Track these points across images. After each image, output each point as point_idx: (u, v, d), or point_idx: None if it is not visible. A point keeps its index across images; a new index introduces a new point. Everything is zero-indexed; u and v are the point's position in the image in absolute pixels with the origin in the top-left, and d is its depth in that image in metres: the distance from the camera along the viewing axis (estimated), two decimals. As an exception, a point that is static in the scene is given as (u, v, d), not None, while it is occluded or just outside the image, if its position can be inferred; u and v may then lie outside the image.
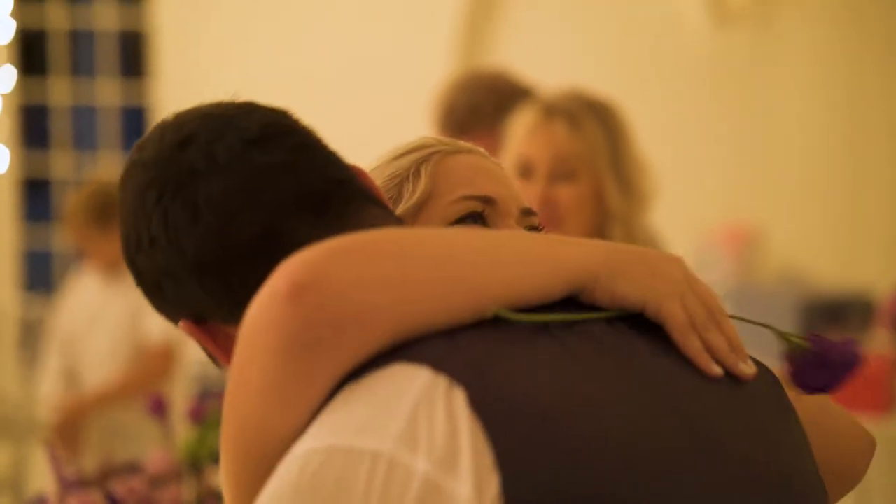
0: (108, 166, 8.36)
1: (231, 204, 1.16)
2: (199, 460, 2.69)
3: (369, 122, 6.32)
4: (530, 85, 2.90)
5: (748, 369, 1.17)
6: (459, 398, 0.98)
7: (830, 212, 6.13)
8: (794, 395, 1.25)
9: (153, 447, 2.80)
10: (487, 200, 1.35)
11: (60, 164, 8.56)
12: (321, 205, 1.18)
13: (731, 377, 1.16)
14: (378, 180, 1.38)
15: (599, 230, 2.46)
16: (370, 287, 1.01)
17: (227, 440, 1.07)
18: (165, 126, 1.25)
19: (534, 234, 1.24)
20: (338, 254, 1.02)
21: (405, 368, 1.01)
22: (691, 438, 1.07)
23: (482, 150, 1.44)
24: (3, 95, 5.40)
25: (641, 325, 1.17)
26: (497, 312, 1.07)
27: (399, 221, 1.28)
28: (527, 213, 1.39)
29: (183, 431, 2.80)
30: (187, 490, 2.60)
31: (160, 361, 4.50)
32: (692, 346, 1.14)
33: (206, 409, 2.79)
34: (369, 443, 0.96)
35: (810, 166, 6.19)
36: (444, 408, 0.97)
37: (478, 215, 1.34)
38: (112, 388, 4.50)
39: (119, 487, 2.63)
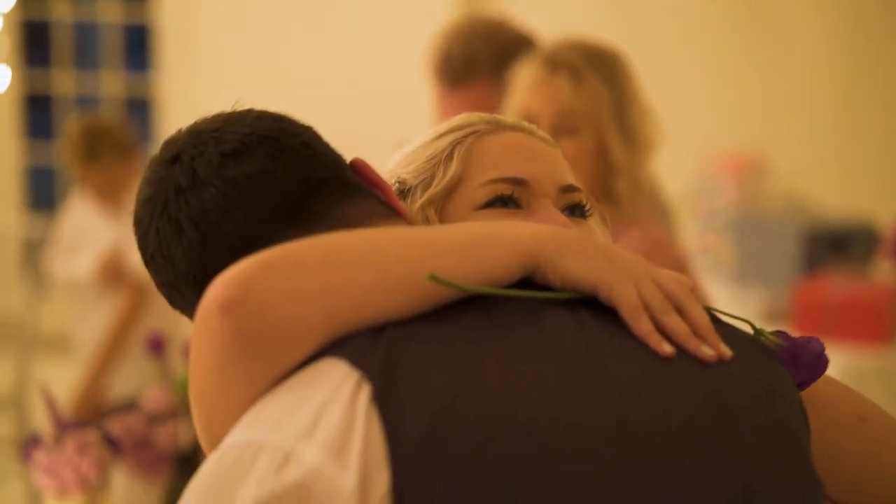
0: (110, 83, 8.32)
1: (209, 218, 1.19)
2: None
3: (371, 109, 6.31)
4: (529, 33, 2.83)
5: (710, 352, 1.10)
6: (365, 393, 0.99)
7: (834, 140, 6.10)
8: (825, 399, 1.22)
9: (151, 385, 2.80)
10: (517, 181, 1.32)
11: (62, 81, 8.52)
12: (298, 208, 1.19)
13: (697, 368, 1.10)
14: (417, 161, 1.37)
15: (603, 183, 2.43)
16: (296, 298, 1.04)
17: (197, 431, 1.13)
18: (165, 143, 1.28)
19: (482, 222, 1.23)
20: (266, 266, 1.05)
21: (327, 363, 1.04)
22: (620, 436, 1.01)
23: (527, 125, 1.40)
24: (4, 14, 5.35)
25: (601, 310, 1.14)
26: (430, 276, 1.07)
27: (394, 214, 1.27)
28: (567, 189, 1.35)
29: (181, 369, 2.79)
30: (184, 429, 2.60)
31: (134, 297, 4.53)
32: (642, 327, 1.10)
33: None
34: (275, 437, 0.99)
35: (814, 94, 6.14)
36: (349, 401, 0.99)
37: (507, 198, 1.32)
38: (103, 351, 4.57)
39: (116, 426, 2.64)
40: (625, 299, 1.11)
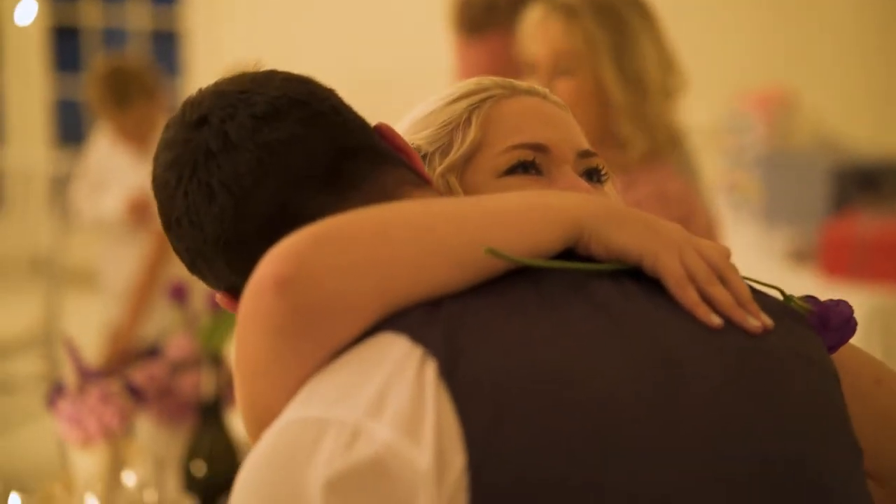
0: (137, 15, 8.28)
1: (243, 183, 1.16)
2: (219, 347, 2.69)
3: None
4: None
5: (756, 322, 1.11)
6: (430, 369, 0.98)
7: (865, 75, 6.02)
8: (847, 366, 1.21)
9: (174, 332, 2.80)
10: (538, 147, 1.31)
11: (89, 13, 8.48)
12: (333, 176, 1.18)
13: (744, 338, 1.11)
14: (431, 127, 1.35)
15: (603, 126, 2.40)
16: (351, 272, 1.03)
17: (240, 410, 1.12)
18: (187, 104, 1.25)
19: (525, 192, 1.20)
20: (319, 241, 1.03)
21: (386, 338, 1.02)
22: (679, 408, 1.02)
23: (541, 89, 1.38)
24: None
25: (645, 280, 1.14)
26: (488, 250, 1.07)
27: (424, 183, 1.26)
28: (584, 154, 1.34)
29: (204, 317, 2.80)
30: (207, 376, 2.61)
31: (160, 241, 4.56)
32: (689, 298, 1.11)
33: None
34: (339, 413, 0.98)
35: (845, 28, 6.06)
36: (415, 378, 0.98)
37: (529, 164, 1.31)
38: (133, 298, 4.61)
39: (139, 375, 2.65)
40: (671, 269, 1.12)
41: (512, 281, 1.09)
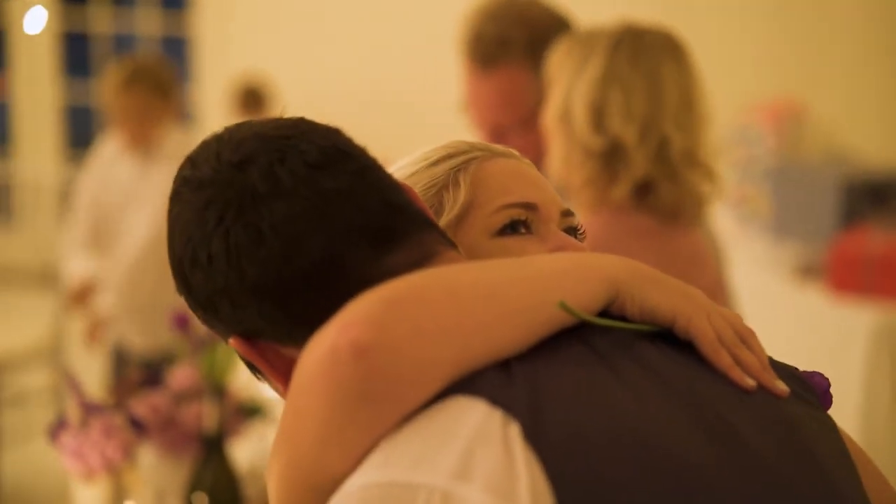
0: (147, 21, 8.28)
1: (295, 229, 1.14)
2: (221, 378, 2.69)
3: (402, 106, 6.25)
4: (564, 15, 2.75)
5: (783, 386, 1.15)
6: (514, 432, 0.98)
7: (876, 89, 5.99)
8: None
9: (177, 362, 2.80)
10: (529, 206, 1.33)
11: (99, 18, 8.49)
12: (384, 233, 1.17)
13: (772, 401, 1.14)
14: (416, 189, 1.35)
15: (569, 158, 2.37)
16: (428, 340, 1.03)
17: (279, 472, 1.10)
18: (219, 143, 1.22)
19: (562, 254, 1.23)
20: (394, 306, 1.03)
21: (461, 402, 1.02)
22: (742, 467, 1.04)
23: (516, 152, 1.41)
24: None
25: (674, 342, 1.17)
26: (561, 305, 1.10)
27: (451, 244, 1.25)
28: (566, 213, 1.37)
29: (206, 347, 2.78)
30: (208, 409, 2.60)
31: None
32: (724, 361, 1.14)
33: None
34: (424, 477, 0.97)
35: (856, 42, 6.03)
36: (501, 441, 0.98)
37: (520, 223, 1.32)
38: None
39: (141, 406, 2.64)
40: (704, 332, 1.14)
41: (564, 340, 1.10)
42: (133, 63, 4.79)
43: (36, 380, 6.00)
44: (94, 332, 4.72)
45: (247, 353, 1.19)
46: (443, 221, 1.33)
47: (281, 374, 1.19)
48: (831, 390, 1.25)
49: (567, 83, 2.33)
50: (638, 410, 1.03)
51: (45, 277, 6.23)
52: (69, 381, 2.48)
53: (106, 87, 4.74)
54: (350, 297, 1.08)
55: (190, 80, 8.13)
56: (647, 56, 2.32)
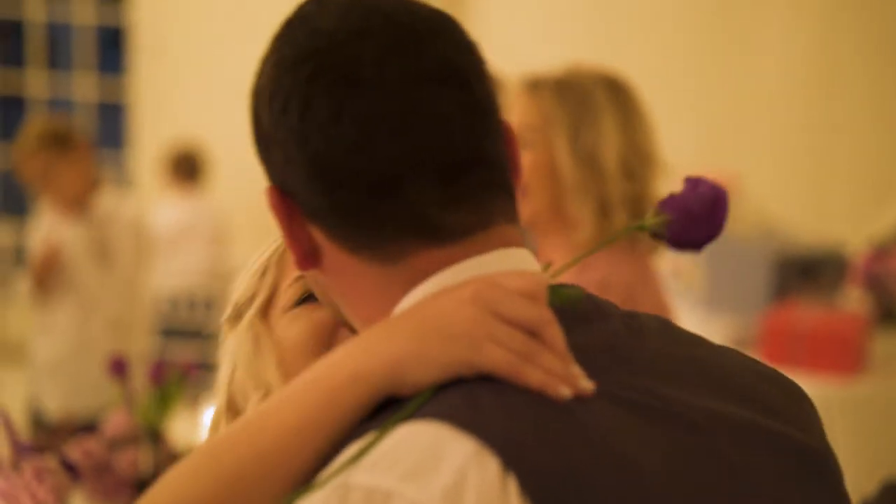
0: (83, 85, 8.26)
1: (375, 130, 1.06)
2: (158, 423, 2.66)
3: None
4: (497, 73, 2.78)
5: (588, 384, 1.01)
6: (495, 465, 0.95)
7: (807, 163, 6.11)
8: None
9: (113, 406, 2.76)
10: None
11: (35, 81, 8.46)
12: (458, 178, 1.08)
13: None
14: (245, 281, 1.37)
15: (557, 202, 2.41)
16: None
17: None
18: (351, 3, 1.12)
19: (294, 383, 1.10)
20: None
21: (436, 427, 0.97)
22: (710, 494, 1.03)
23: None
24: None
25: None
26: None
27: (515, 221, 1.16)
28: None
29: (145, 390, 2.76)
30: (144, 454, 2.57)
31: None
32: (533, 379, 1.00)
33: (166, 371, 2.75)
34: (413, 491, 0.93)
35: (788, 117, 6.15)
36: (493, 474, 0.94)
37: (314, 294, 1.28)
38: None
39: (75, 451, 2.60)
40: (495, 362, 1.00)
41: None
42: (36, 127, 4.79)
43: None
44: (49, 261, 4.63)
45: (277, 206, 1.13)
46: (254, 306, 1.35)
47: (297, 241, 1.14)
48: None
49: (571, 133, 2.37)
50: (595, 426, 1.00)
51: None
52: (2, 421, 2.44)
53: (24, 146, 4.74)
54: (387, 224, 1.06)
55: (126, 145, 8.10)
56: (635, 102, 2.40)
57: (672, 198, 1.13)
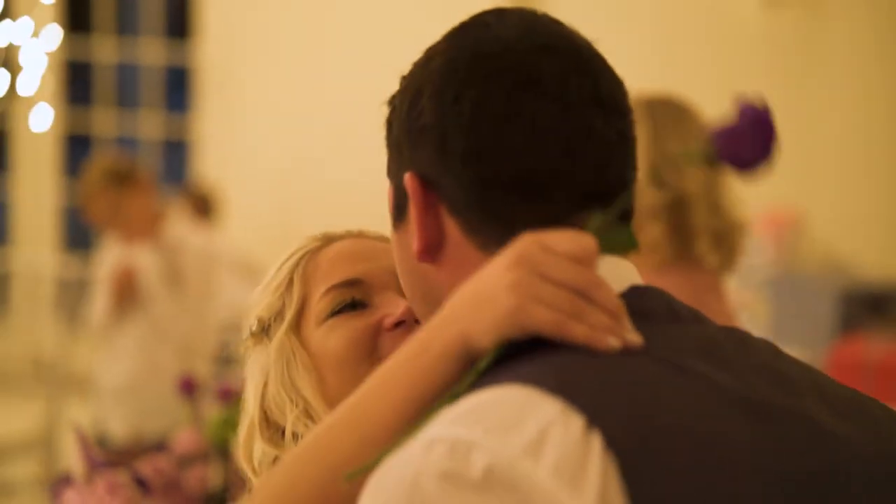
0: (149, 123, 8.37)
1: (548, 139, 1.10)
2: (226, 441, 2.67)
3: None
4: None
5: (636, 337, 1.03)
6: (597, 436, 0.94)
7: (873, 199, 6.06)
8: None
9: (181, 426, 2.78)
10: (351, 283, 1.36)
11: (103, 120, 8.57)
12: (604, 201, 1.11)
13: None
14: (267, 297, 1.40)
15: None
16: None
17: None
18: (536, 19, 1.16)
19: (381, 371, 1.12)
20: None
21: (524, 390, 0.98)
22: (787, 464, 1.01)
23: (355, 231, 1.45)
24: (49, 53, 5.43)
25: None
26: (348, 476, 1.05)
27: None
28: None
29: (211, 411, 2.78)
30: (214, 472, 2.58)
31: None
32: (577, 333, 1.01)
33: (234, 389, 2.77)
34: (496, 443, 0.93)
35: (854, 152, 6.11)
36: (577, 430, 0.94)
37: (350, 303, 1.35)
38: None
39: (145, 467, 2.62)
40: (541, 321, 1.02)
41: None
42: (99, 167, 4.88)
43: (25, 470, 5.93)
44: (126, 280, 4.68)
45: (416, 194, 1.14)
46: (285, 322, 1.37)
47: (425, 232, 1.14)
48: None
49: None
50: (695, 405, 1.00)
51: (40, 368, 6.21)
52: (77, 435, 2.46)
53: (91, 183, 4.83)
54: (528, 226, 1.06)
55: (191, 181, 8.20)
56: (686, 116, 2.37)
57: (720, 125, 1.13)
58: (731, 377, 1.04)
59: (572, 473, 0.92)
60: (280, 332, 1.37)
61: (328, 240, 1.43)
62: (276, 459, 1.37)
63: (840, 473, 1.03)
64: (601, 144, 1.11)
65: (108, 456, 2.59)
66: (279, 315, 1.38)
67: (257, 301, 1.43)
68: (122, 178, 4.73)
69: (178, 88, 8.47)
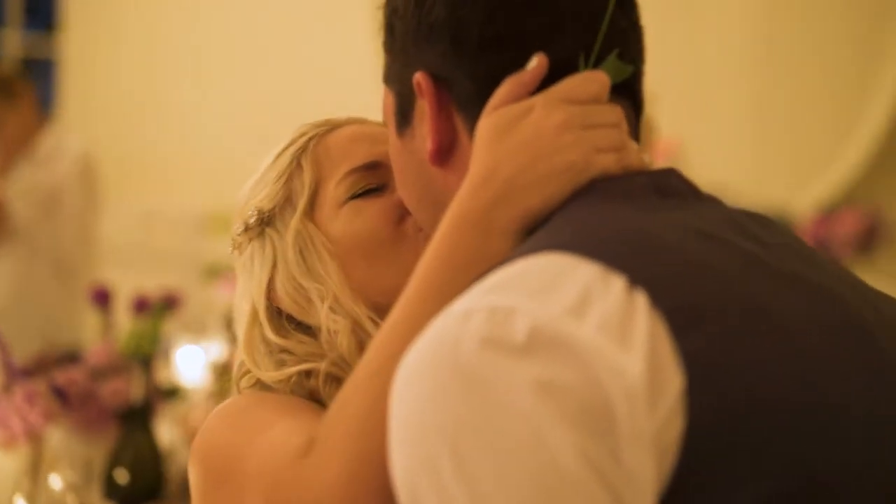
0: (10, 42, 8.12)
1: (561, 24, 1.11)
2: (144, 354, 2.62)
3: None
4: None
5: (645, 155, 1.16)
6: (641, 295, 0.93)
7: (746, 127, 6.17)
8: None
9: (94, 338, 2.72)
10: (371, 166, 1.34)
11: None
12: (613, 90, 1.13)
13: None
14: (267, 186, 1.36)
15: None
16: None
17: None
18: None
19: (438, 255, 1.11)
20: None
21: (557, 256, 0.96)
22: (863, 337, 1.01)
23: (357, 117, 1.42)
24: None
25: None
26: None
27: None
28: None
29: (126, 322, 2.71)
30: (135, 380, 2.53)
31: None
32: (634, 160, 1.10)
33: (150, 299, 2.71)
34: (536, 306, 0.91)
35: (731, 84, 6.21)
36: (619, 290, 0.93)
37: (366, 184, 1.33)
38: None
39: (60, 378, 2.55)
40: (605, 165, 1.08)
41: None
42: None
43: None
44: None
45: (429, 92, 1.13)
46: (299, 209, 1.33)
47: (439, 133, 1.14)
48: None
49: None
50: (738, 271, 0.99)
51: None
52: (-1, 344, 2.39)
53: None
54: None
55: (56, 103, 7.98)
56: None
57: None
58: (765, 252, 1.04)
59: (619, 331, 0.90)
60: (295, 219, 1.33)
61: (333, 125, 1.39)
62: (282, 351, 1.33)
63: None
64: (617, 31, 1.13)
65: (27, 365, 2.51)
66: (287, 203, 1.34)
67: (250, 194, 1.38)
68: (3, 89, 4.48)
69: (41, 6, 8.23)
